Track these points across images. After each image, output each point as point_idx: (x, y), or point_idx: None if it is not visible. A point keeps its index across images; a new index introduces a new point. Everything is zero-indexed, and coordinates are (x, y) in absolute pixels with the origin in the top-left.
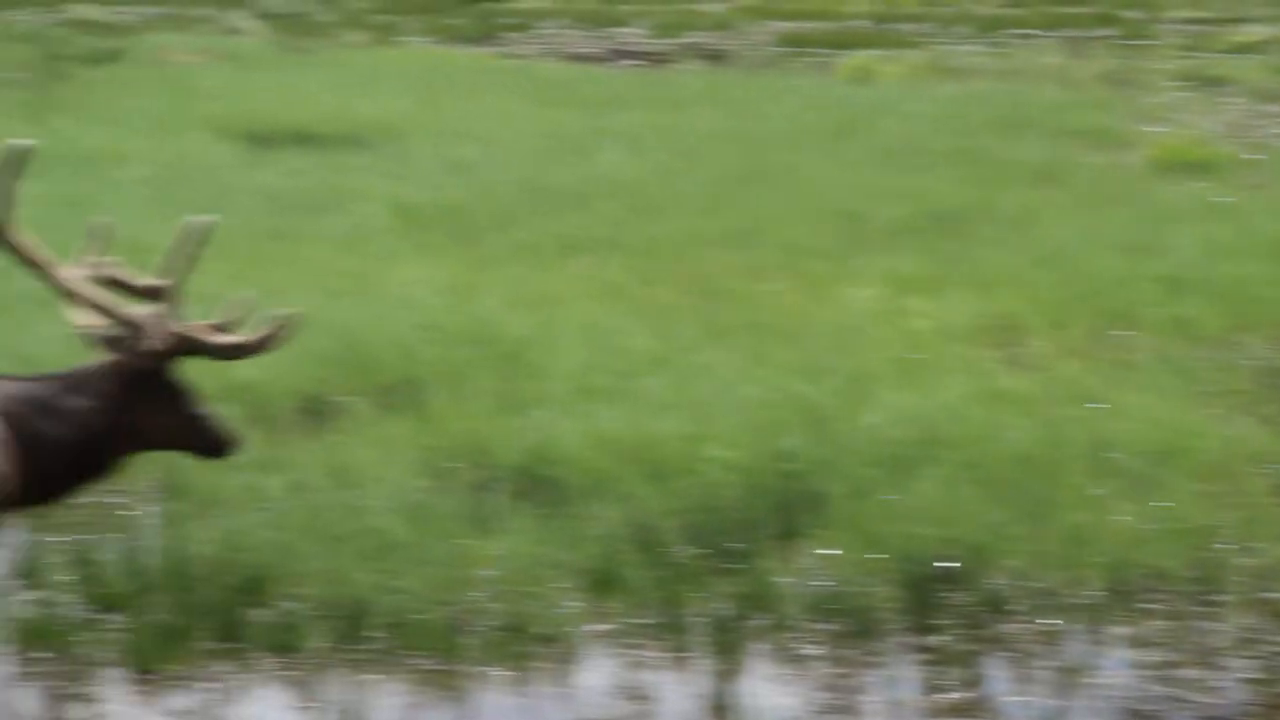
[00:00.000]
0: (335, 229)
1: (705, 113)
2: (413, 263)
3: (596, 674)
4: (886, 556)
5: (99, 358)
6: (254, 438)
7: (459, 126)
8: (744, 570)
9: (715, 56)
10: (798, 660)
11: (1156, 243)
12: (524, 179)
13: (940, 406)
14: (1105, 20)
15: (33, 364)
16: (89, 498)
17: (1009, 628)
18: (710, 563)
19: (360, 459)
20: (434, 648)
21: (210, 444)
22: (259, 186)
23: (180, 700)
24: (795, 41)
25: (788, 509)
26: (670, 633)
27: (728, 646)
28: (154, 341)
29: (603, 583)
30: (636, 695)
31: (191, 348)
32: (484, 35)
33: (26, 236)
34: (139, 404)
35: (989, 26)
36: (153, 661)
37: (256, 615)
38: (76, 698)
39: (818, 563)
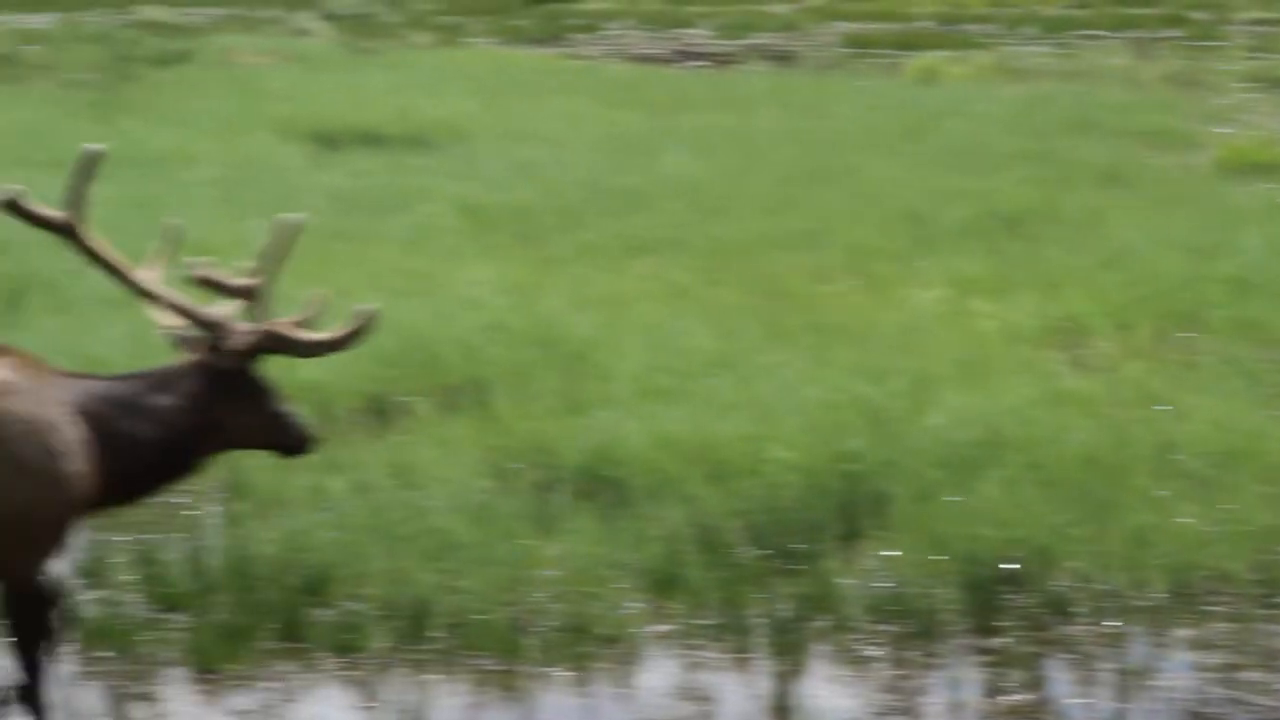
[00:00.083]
0: (401, 229)
1: (770, 114)
2: (478, 263)
3: (657, 675)
4: (949, 558)
5: (180, 357)
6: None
7: (524, 127)
8: (806, 571)
9: (781, 57)
10: (859, 662)
11: (1223, 244)
12: (589, 179)
13: (1004, 408)
14: (1173, 21)
15: (98, 364)
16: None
17: (1071, 630)
18: (772, 564)
19: (423, 459)
20: (495, 648)
21: (292, 442)
22: (325, 187)
23: (242, 700)
24: (861, 43)
25: (850, 510)
26: (731, 634)
27: (789, 647)
28: (239, 340)
29: (664, 583)
30: (697, 696)
31: (279, 344)
32: (550, 36)
33: (99, 239)
34: (223, 403)
35: (1055, 27)
36: (215, 661)
37: (319, 615)
38: (139, 697)
39: (880, 564)
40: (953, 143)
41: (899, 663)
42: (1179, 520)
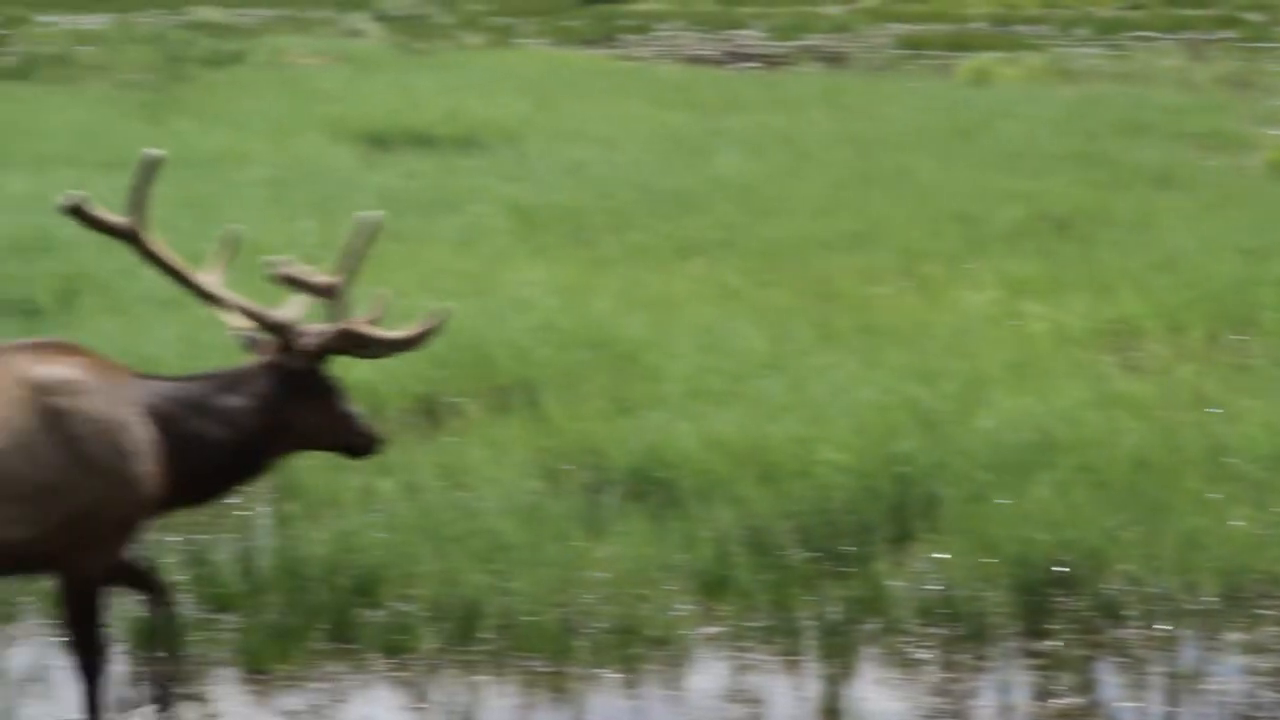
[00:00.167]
0: (451, 230)
1: (822, 115)
2: (528, 264)
3: (707, 677)
4: (999, 560)
5: (248, 358)
6: None
7: (575, 128)
8: (856, 573)
9: (833, 59)
10: (909, 664)
11: (1275, 246)
12: (640, 180)
13: (1056, 410)
14: (1226, 23)
15: (152, 365)
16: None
17: (1122, 633)
18: (822, 566)
19: (474, 460)
20: (545, 649)
21: (359, 443)
22: (376, 188)
23: (292, 700)
24: (914, 44)
25: (901, 512)
26: (781, 636)
27: (839, 650)
28: (313, 339)
29: (714, 585)
30: (747, 698)
31: (355, 343)
32: (602, 37)
33: (161, 243)
34: (293, 403)
35: (1108, 29)
36: (265, 661)
37: (369, 616)
38: (190, 697)
39: (930, 566)
40: (1004, 144)
41: (949, 666)
42: (1231, 523)
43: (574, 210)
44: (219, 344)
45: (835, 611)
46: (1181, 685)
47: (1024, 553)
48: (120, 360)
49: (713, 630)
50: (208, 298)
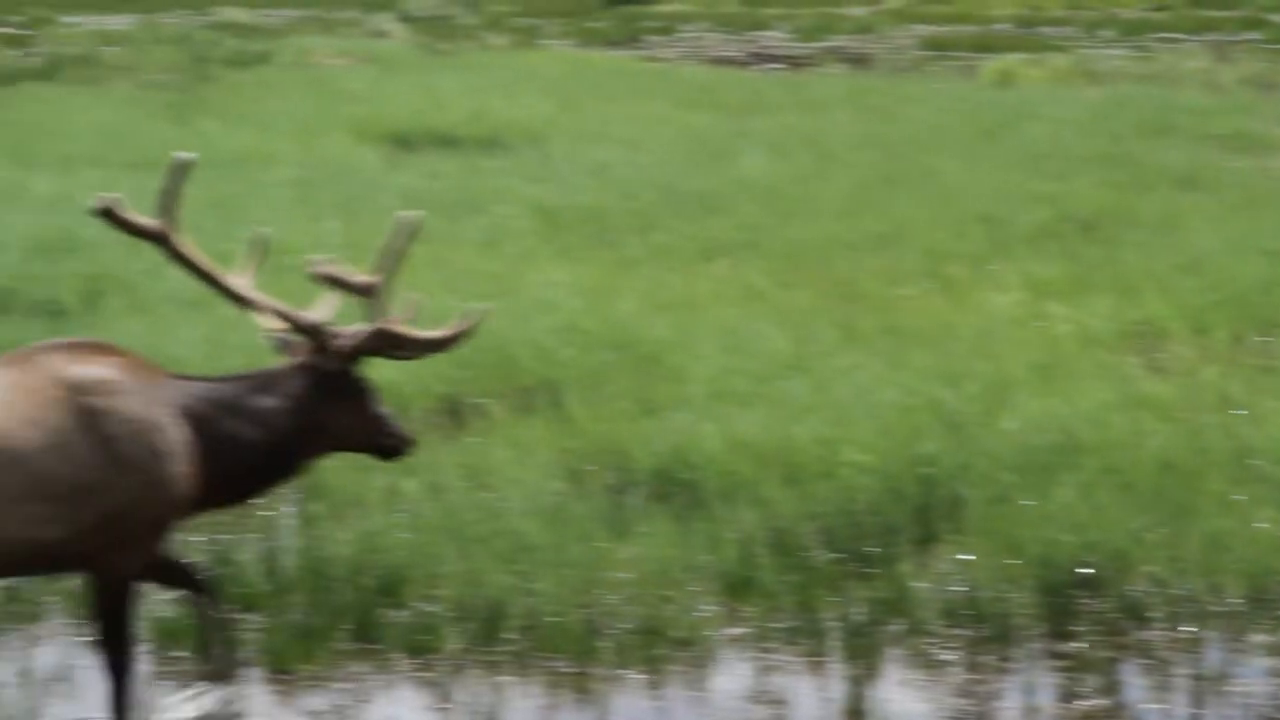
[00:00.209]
0: (475, 231)
1: (846, 116)
2: (552, 265)
3: (731, 678)
4: (1024, 562)
5: (281, 359)
6: None
7: (599, 129)
8: (880, 575)
9: (857, 60)
10: (933, 666)
11: None
12: (664, 182)
13: (1080, 412)
14: (1252, 24)
15: (177, 365)
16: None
17: (1147, 635)
18: (846, 567)
19: (497, 461)
20: (569, 650)
21: (391, 444)
22: (401, 189)
23: (316, 700)
24: (938, 45)
25: (925, 514)
26: (806, 637)
27: (863, 651)
28: (349, 339)
29: (738, 586)
30: (771, 700)
31: (391, 343)
32: (626, 38)
33: (192, 245)
34: (326, 404)
35: (1133, 30)
36: (290, 661)
37: (393, 616)
38: (228, 696)
39: (954, 568)
40: (1029, 146)
41: (973, 667)
42: (1256, 525)
43: (598, 211)
44: (244, 344)
45: (859, 613)
46: (1206, 687)
47: (1048, 554)
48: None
49: (737, 631)
50: (239, 300)
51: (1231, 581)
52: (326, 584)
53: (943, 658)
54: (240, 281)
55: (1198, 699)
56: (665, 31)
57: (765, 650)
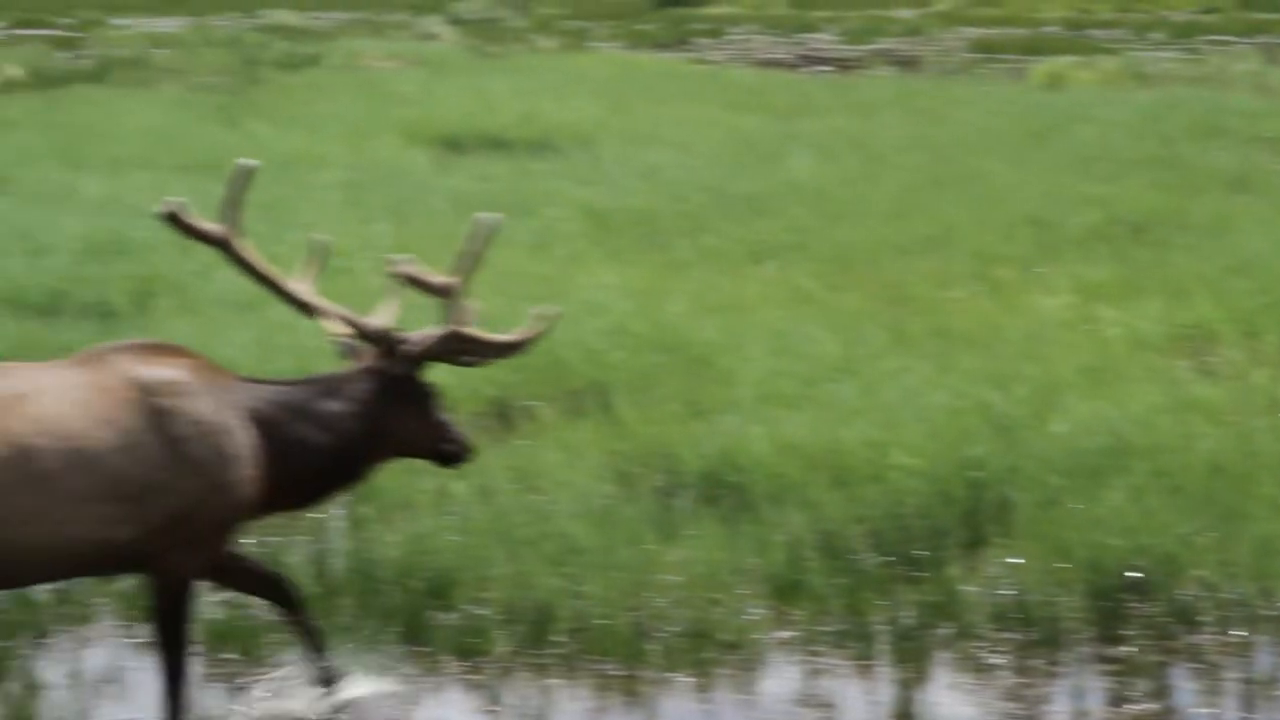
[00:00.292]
0: (525, 234)
1: (895, 119)
2: (601, 267)
3: (779, 681)
4: (1073, 566)
5: (347, 364)
6: None
7: (649, 131)
8: (929, 578)
9: (906, 63)
10: (982, 669)
11: None
12: (713, 184)
13: (1130, 415)
14: None
15: (227, 366)
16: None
17: (1197, 639)
18: (895, 570)
19: (546, 463)
20: (618, 653)
21: (453, 451)
22: (450, 191)
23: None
24: (987, 48)
25: (974, 517)
26: (854, 640)
27: (912, 655)
28: (420, 343)
29: (787, 589)
30: (819, 703)
31: (463, 346)
32: (675, 41)
33: (254, 251)
34: (393, 409)
35: (1184, 33)
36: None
37: (442, 618)
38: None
39: (1003, 571)
40: (1079, 148)
41: (1022, 671)
42: None
43: (647, 214)
44: (293, 346)
45: (908, 616)
46: (1257, 691)
47: (1098, 558)
48: None
49: (785, 634)
50: (301, 306)
51: None
52: (375, 586)
53: (991, 662)
54: (302, 287)
55: (1248, 703)
56: (714, 34)
57: (813, 654)
